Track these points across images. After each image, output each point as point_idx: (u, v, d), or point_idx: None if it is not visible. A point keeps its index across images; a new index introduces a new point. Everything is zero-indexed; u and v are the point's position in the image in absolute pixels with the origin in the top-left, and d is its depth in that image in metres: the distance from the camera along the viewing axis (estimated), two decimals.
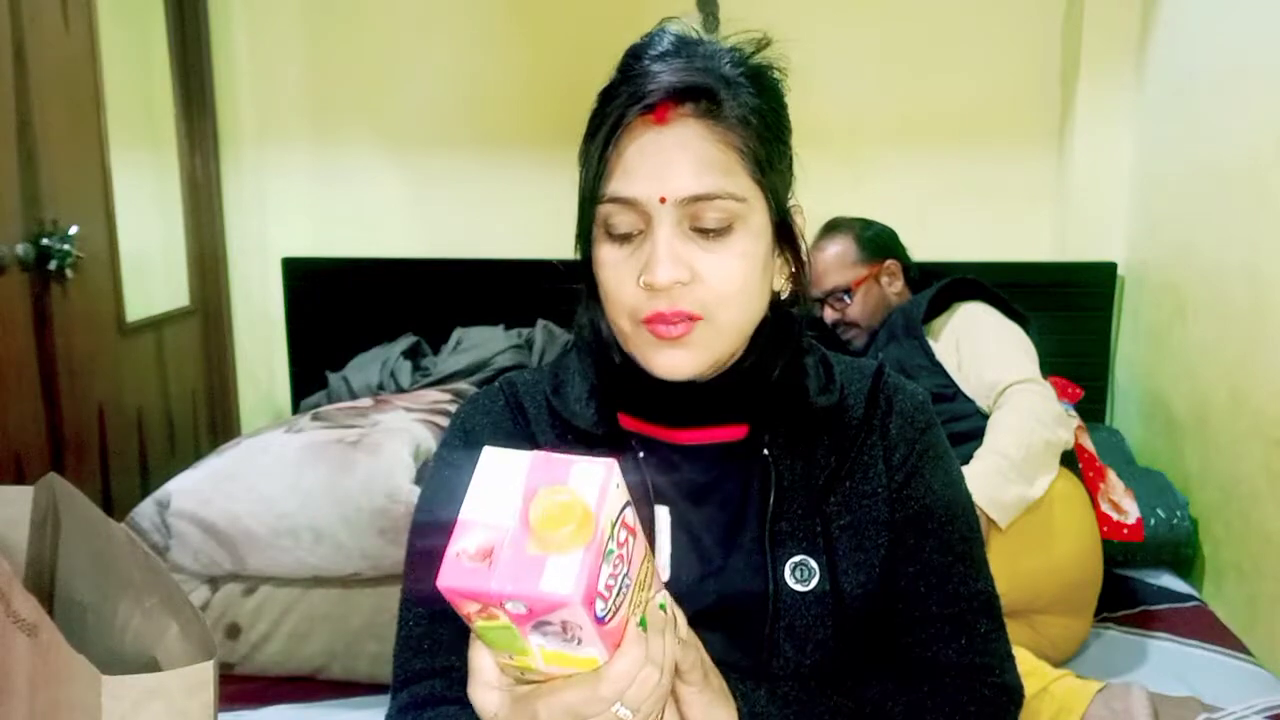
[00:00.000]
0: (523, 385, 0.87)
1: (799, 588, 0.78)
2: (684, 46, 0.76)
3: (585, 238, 0.78)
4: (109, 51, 2.09)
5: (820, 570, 0.78)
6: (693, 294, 0.74)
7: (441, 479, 0.85)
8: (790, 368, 0.82)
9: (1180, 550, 1.97)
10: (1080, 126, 2.41)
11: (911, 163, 2.52)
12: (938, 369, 1.82)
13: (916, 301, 1.94)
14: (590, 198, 0.75)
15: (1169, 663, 1.66)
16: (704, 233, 0.74)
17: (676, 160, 0.72)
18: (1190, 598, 1.88)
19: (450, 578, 0.51)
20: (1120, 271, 2.43)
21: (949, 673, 0.81)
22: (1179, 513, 1.97)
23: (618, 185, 0.73)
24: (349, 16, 2.58)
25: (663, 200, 0.72)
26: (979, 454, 1.62)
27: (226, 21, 2.55)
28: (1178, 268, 2.15)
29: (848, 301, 2.01)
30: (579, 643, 0.53)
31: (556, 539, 0.51)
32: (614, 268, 0.75)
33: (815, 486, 0.81)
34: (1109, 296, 2.43)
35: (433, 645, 0.80)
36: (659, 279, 0.72)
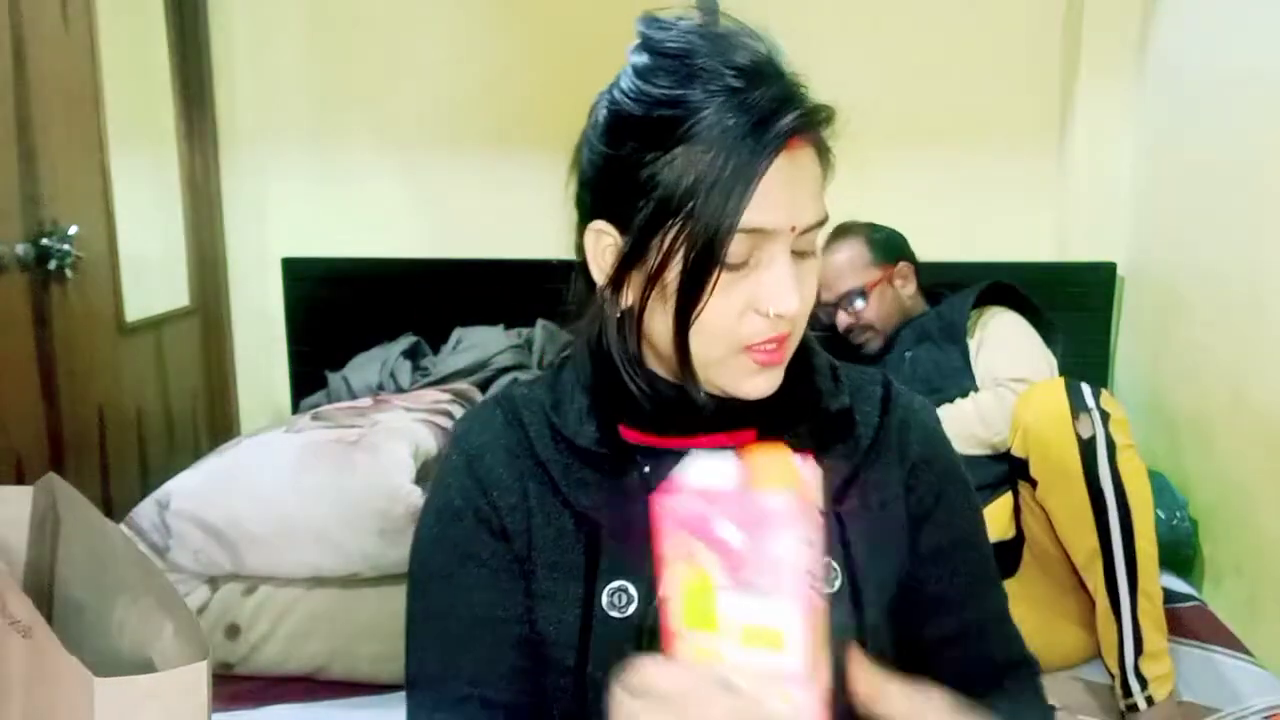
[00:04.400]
0: (520, 400, 0.85)
1: (825, 589, 0.77)
2: (777, 57, 0.72)
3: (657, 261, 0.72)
4: (109, 51, 2.08)
5: (842, 573, 0.78)
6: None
7: (449, 512, 0.82)
8: (800, 369, 0.81)
9: (1180, 550, 1.97)
10: (1080, 126, 2.40)
11: (911, 163, 2.51)
12: (971, 374, 1.84)
13: (955, 305, 1.93)
14: (723, 228, 0.70)
15: None
16: (801, 255, 0.74)
17: (802, 188, 0.71)
18: (1190, 598, 1.88)
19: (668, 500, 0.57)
20: (1120, 271, 2.42)
21: (996, 675, 0.83)
22: (1179, 513, 1.97)
23: (753, 216, 0.69)
24: (349, 16, 2.58)
25: (793, 230, 0.71)
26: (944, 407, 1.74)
27: (226, 21, 2.55)
28: (1178, 268, 2.15)
29: (861, 305, 2.00)
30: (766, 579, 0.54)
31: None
32: (724, 295, 0.72)
33: (828, 489, 0.79)
34: (1109, 296, 2.43)
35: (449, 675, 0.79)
36: (791, 308, 0.71)
